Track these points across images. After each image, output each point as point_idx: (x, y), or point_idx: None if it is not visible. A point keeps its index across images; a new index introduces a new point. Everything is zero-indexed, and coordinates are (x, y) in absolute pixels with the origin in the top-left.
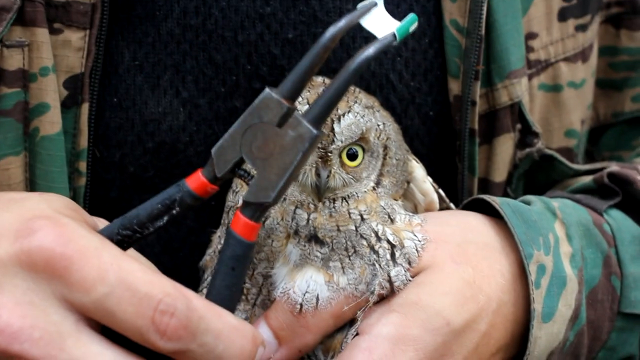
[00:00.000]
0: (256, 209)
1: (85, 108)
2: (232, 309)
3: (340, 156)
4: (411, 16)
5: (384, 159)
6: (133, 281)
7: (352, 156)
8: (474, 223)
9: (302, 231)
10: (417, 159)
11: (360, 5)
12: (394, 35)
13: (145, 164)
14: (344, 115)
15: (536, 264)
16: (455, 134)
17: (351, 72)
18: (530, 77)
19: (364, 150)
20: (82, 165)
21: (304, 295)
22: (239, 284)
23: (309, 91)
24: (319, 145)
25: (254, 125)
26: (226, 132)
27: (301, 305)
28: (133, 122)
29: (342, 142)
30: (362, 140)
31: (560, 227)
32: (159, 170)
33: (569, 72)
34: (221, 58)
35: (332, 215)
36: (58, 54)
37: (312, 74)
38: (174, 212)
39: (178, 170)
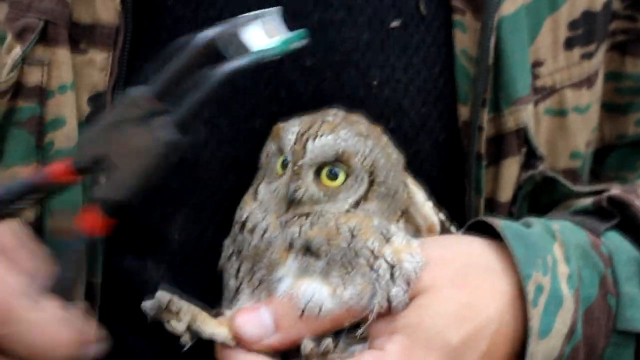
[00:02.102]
0: (105, 206)
1: None
2: (70, 299)
3: (319, 174)
4: (299, 32)
5: (371, 185)
6: None
7: (333, 176)
8: (476, 247)
9: (297, 243)
10: (417, 184)
11: (252, 14)
12: (273, 48)
13: (167, 178)
14: (322, 136)
15: (534, 284)
16: (463, 157)
17: (216, 83)
18: (536, 103)
19: (347, 173)
20: (102, 178)
21: (309, 302)
22: (77, 277)
23: (312, 116)
24: (292, 159)
25: (119, 121)
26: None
27: (303, 310)
28: None
29: (311, 159)
30: (342, 162)
31: (559, 248)
32: (181, 184)
33: (574, 97)
34: (242, 82)
35: (312, 227)
36: (84, 73)
37: (182, 75)
38: (33, 196)
39: (199, 184)
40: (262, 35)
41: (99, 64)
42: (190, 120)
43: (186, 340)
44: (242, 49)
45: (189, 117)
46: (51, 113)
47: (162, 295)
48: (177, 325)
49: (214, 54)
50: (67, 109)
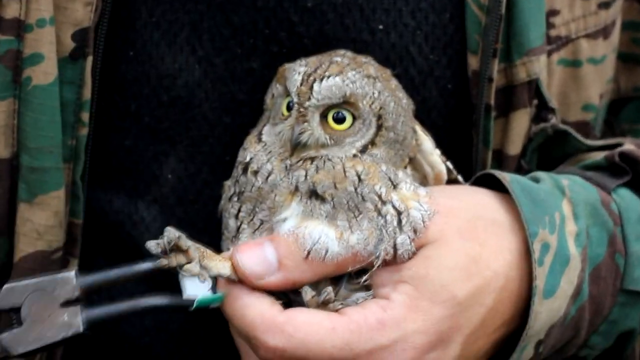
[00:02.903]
0: (1, 351)
1: (89, 61)
2: None
3: (326, 117)
4: (219, 295)
5: (379, 129)
6: None
7: (340, 120)
8: (485, 199)
9: (302, 187)
10: (425, 132)
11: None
12: (192, 302)
13: (160, 116)
14: (329, 77)
15: (540, 242)
16: (472, 108)
17: (141, 307)
18: (549, 53)
19: (354, 117)
20: (85, 116)
21: (315, 245)
22: None
23: (318, 57)
24: (298, 101)
25: (46, 290)
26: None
27: (309, 252)
28: (149, 76)
29: (317, 100)
30: (349, 105)
31: (567, 205)
32: (174, 123)
33: (590, 48)
34: (239, 20)
35: (318, 171)
36: (68, 7)
37: (117, 283)
38: None
39: (193, 123)
40: (197, 284)
41: None
42: (100, 323)
43: (205, 277)
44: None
45: (107, 318)
46: (29, 47)
47: (171, 232)
48: (191, 266)
49: (154, 280)
50: (46, 44)
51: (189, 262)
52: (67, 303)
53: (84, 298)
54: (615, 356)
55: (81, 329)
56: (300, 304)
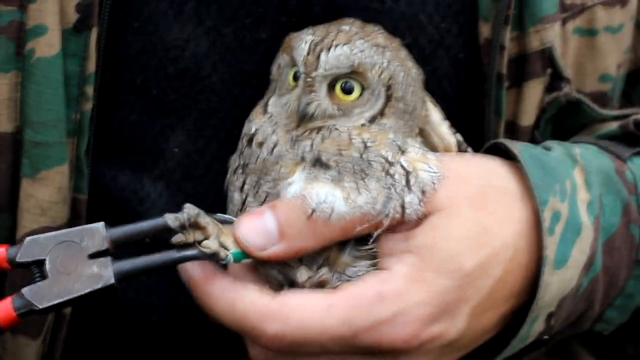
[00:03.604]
0: (23, 306)
1: (94, 33)
2: None
3: (333, 87)
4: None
5: (388, 100)
6: None
7: (348, 90)
8: (495, 167)
9: (307, 157)
10: (434, 102)
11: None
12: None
13: (167, 89)
14: (337, 46)
15: (551, 211)
16: (483, 77)
17: (172, 259)
18: (564, 21)
19: (362, 87)
20: (90, 90)
21: (321, 204)
22: None
23: (326, 26)
24: (305, 71)
25: (72, 242)
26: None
27: (313, 210)
28: (155, 47)
29: (325, 70)
30: (357, 75)
31: (579, 173)
32: (181, 96)
33: (606, 16)
34: None
35: (324, 140)
36: None
37: (147, 236)
38: None
39: (202, 96)
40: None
41: None
42: (134, 275)
43: (225, 255)
44: None
45: (137, 272)
46: (33, 19)
47: (191, 208)
48: (210, 242)
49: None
50: (49, 15)
51: (206, 239)
52: (96, 255)
53: (113, 252)
54: (632, 332)
55: (112, 280)
56: (298, 285)
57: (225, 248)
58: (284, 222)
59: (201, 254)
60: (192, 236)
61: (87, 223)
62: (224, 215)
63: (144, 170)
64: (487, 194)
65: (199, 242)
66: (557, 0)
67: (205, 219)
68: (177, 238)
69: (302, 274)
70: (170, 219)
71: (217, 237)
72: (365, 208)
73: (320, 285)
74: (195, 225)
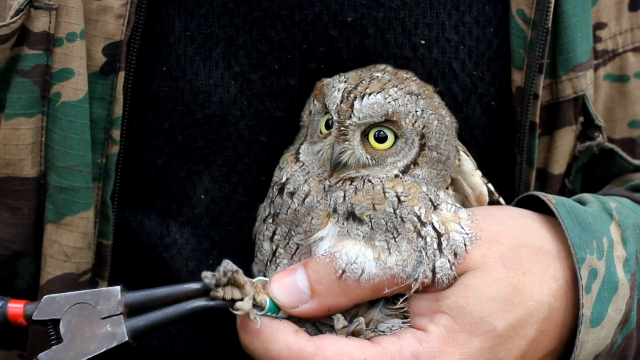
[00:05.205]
0: None
1: (122, 77)
2: None
3: (367, 136)
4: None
5: (422, 149)
6: None
7: (381, 139)
8: (530, 224)
9: (340, 209)
10: (467, 152)
11: None
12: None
13: (195, 135)
14: (371, 94)
15: (588, 269)
16: (516, 126)
17: (186, 311)
18: (596, 68)
19: (396, 136)
20: (116, 134)
21: (351, 265)
22: None
23: (358, 72)
24: (338, 119)
25: (89, 304)
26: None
27: (344, 272)
28: (183, 93)
29: (359, 119)
30: (391, 123)
31: (616, 230)
32: (208, 142)
33: (637, 62)
34: (276, 36)
35: (357, 193)
36: (99, 20)
37: (165, 303)
38: None
39: (229, 142)
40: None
41: (116, 11)
42: (148, 332)
43: (255, 317)
44: None
45: (148, 329)
46: (59, 62)
47: (230, 265)
48: (244, 305)
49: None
50: (76, 59)
51: (242, 299)
52: (110, 318)
53: (127, 315)
54: None
55: (127, 338)
56: (332, 330)
57: (261, 306)
58: (315, 281)
59: (214, 303)
60: (230, 294)
61: (112, 269)
62: (263, 278)
63: (170, 217)
64: (520, 253)
65: (234, 302)
66: (590, 47)
67: (243, 278)
68: (216, 293)
69: (340, 322)
70: (208, 277)
71: (252, 297)
72: (396, 270)
73: (355, 334)
74: (233, 283)
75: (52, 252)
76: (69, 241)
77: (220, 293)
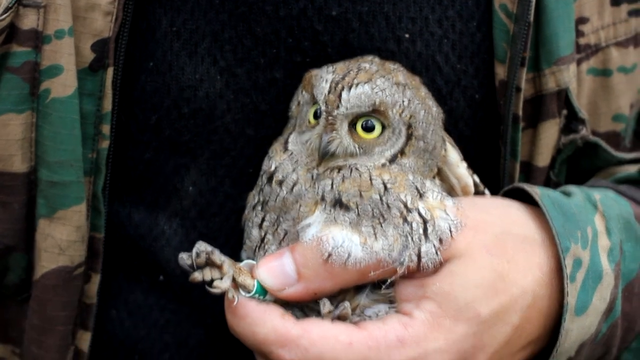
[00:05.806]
0: None
1: (110, 72)
2: None
3: (354, 126)
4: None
5: (409, 138)
6: None
7: (369, 128)
8: (516, 214)
9: (328, 197)
10: (452, 143)
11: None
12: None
13: (181, 129)
14: (358, 85)
15: (572, 258)
16: (499, 118)
17: None
18: (579, 62)
19: (383, 125)
20: (106, 128)
21: (337, 248)
22: None
23: (346, 63)
24: (326, 109)
25: None
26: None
27: (330, 255)
28: (169, 87)
29: (346, 109)
30: (378, 113)
31: (600, 220)
32: (195, 135)
33: (620, 56)
34: (261, 30)
35: (344, 180)
36: (87, 17)
37: None
38: None
39: (215, 136)
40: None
41: (104, 8)
42: None
43: (233, 295)
44: None
45: None
46: (48, 59)
47: (203, 246)
48: (221, 283)
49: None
50: (64, 55)
51: (221, 277)
52: None
53: None
54: None
55: None
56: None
57: (245, 286)
58: (302, 264)
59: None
60: (209, 274)
61: (104, 262)
62: (250, 261)
63: (158, 208)
64: (505, 241)
65: (211, 282)
66: (572, 40)
67: (220, 257)
68: (193, 277)
69: (325, 306)
70: (185, 258)
71: (232, 276)
72: (382, 254)
73: (341, 318)
74: (211, 264)
75: (45, 245)
76: (62, 234)
77: (198, 276)
